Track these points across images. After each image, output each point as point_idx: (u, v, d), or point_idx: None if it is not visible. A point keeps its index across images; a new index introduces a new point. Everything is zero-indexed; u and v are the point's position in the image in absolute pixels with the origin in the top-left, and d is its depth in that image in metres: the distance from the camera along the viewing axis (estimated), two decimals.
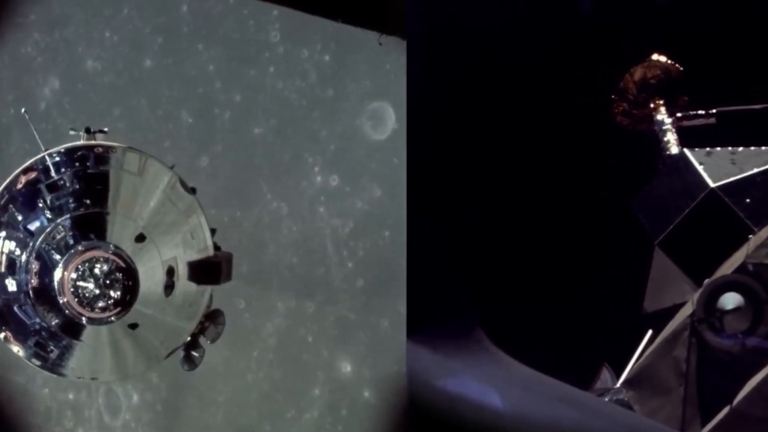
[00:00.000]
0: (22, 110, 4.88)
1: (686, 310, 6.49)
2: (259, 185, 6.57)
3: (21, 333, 4.34)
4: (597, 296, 7.88)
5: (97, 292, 4.16)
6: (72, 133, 4.66)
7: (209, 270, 4.52)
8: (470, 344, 6.17)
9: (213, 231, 4.77)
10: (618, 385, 7.19)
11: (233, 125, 6.68)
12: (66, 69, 7.14)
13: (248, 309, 6.57)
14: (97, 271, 4.17)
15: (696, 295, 6.41)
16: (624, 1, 8.29)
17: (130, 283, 4.20)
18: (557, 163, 8.33)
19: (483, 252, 7.85)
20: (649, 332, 7.23)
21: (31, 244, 4.22)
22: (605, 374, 7.56)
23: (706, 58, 7.99)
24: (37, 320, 4.27)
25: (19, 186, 4.34)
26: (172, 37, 6.79)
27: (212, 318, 4.75)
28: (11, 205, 4.31)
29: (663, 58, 8.11)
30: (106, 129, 4.73)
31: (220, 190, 6.60)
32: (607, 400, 6.92)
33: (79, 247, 4.18)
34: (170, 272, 4.35)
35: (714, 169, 7.10)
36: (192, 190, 4.61)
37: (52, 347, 4.34)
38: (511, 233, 8.10)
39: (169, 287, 4.36)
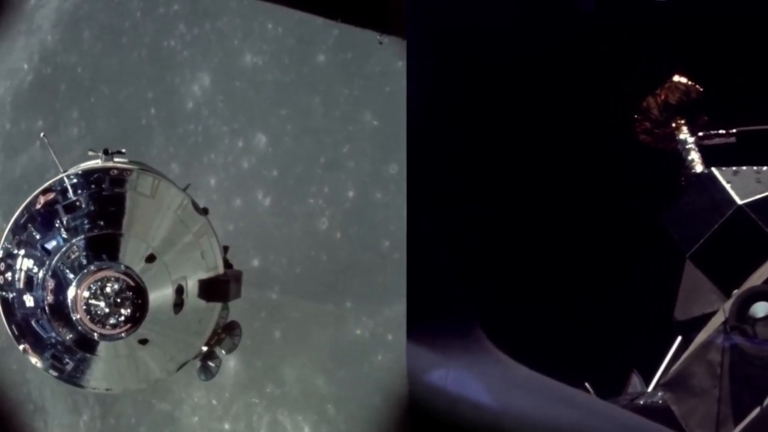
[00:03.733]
0: (41, 134, 4.68)
1: (718, 318, 6.39)
2: None
3: (38, 346, 4.23)
4: (611, 306, 7.70)
5: (107, 310, 4.03)
6: (91, 153, 4.48)
7: (218, 288, 4.38)
8: (470, 344, 5.96)
9: (226, 249, 4.62)
10: (650, 389, 7.09)
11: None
12: (219, 64, 6.07)
13: None
14: (108, 289, 4.06)
15: (728, 304, 6.33)
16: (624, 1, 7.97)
17: (140, 301, 4.08)
18: (556, 161, 8.04)
19: (498, 259, 7.60)
20: (679, 339, 7.13)
21: (47, 263, 4.11)
22: (635, 379, 7.45)
23: (717, 69, 7.71)
24: (53, 335, 4.16)
25: (38, 206, 4.22)
26: (349, 29, 5.76)
27: (229, 330, 4.67)
28: (30, 225, 4.19)
29: (684, 80, 7.88)
30: (123, 150, 4.56)
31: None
32: (642, 402, 6.81)
33: (92, 267, 4.06)
34: (179, 290, 4.22)
35: (741, 187, 6.96)
36: (204, 211, 4.46)
37: (67, 360, 4.24)
38: (518, 237, 7.85)
39: (179, 305, 4.23)
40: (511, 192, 7.84)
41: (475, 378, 5.77)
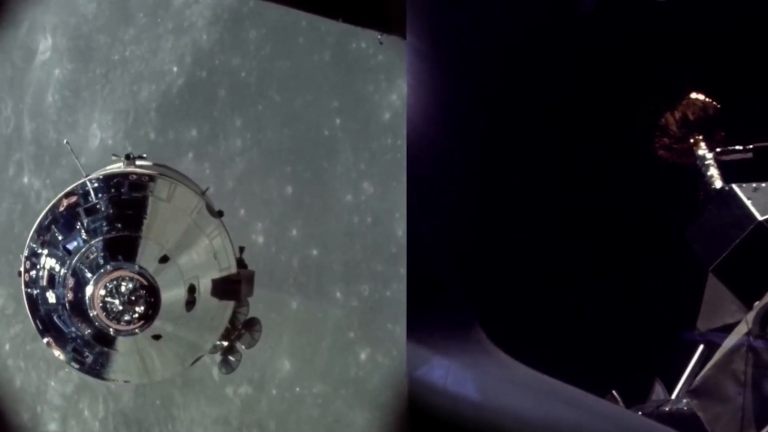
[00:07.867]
0: (65, 141, 4.64)
1: (741, 329, 6.38)
2: None
3: (60, 339, 4.20)
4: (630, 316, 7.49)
5: (122, 308, 4.00)
6: (113, 158, 4.44)
7: (229, 287, 4.31)
8: (470, 344, 5.81)
9: (241, 249, 4.54)
10: (673, 396, 6.92)
11: None
12: None
13: None
14: (123, 288, 4.02)
15: (750, 315, 6.31)
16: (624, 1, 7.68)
17: (153, 299, 4.03)
18: (558, 161, 7.79)
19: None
20: (701, 348, 7.03)
21: (68, 262, 4.08)
22: (657, 388, 7.30)
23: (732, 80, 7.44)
24: (73, 330, 4.13)
25: (61, 209, 4.17)
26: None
27: (249, 326, 4.58)
28: (54, 226, 4.16)
29: (701, 96, 7.70)
30: (145, 155, 4.50)
31: None
32: (668, 409, 6.71)
33: (108, 267, 4.02)
34: (191, 289, 4.16)
35: (761, 203, 6.88)
36: (218, 214, 4.39)
37: (87, 353, 4.20)
38: (521, 238, 7.57)
39: (191, 303, 4.16)
40: (513, 193, 7.59)
41: (474, 377, 5.60)
